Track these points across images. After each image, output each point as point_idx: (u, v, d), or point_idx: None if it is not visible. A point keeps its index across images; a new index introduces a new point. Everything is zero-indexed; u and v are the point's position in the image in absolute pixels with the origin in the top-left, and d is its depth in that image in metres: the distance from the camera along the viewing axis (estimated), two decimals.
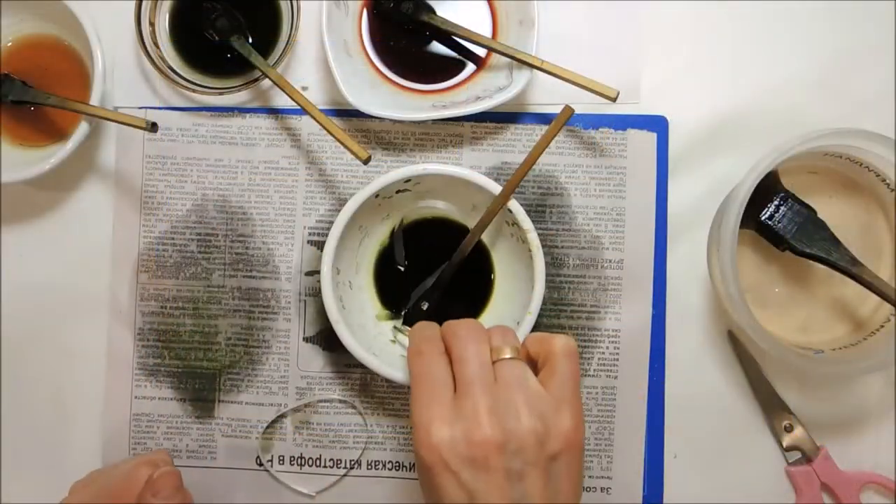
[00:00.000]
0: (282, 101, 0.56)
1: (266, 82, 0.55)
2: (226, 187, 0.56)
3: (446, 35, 0.55)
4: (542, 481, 0.39)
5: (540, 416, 0.39)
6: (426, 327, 0.45)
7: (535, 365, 0.43)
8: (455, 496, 0.39)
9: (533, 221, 0.51)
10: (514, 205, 0.50)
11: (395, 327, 0.54)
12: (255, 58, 0.52)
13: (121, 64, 0.56)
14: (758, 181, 0.48)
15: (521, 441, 0.39)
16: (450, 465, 0.39)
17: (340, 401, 0.55)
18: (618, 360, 0.55)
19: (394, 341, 0.54)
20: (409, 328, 0.54)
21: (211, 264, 0.56)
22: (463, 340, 0.42)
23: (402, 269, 0.54)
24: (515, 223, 0.51)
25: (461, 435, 0.39)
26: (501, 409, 0.39)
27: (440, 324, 0.44)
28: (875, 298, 0.51)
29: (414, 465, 0.55)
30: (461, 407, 0.40)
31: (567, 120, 0.50)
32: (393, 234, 0.54)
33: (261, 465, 0.55)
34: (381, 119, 0.54)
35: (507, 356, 0.41)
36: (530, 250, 0.50)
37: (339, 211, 0.51)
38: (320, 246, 0.55)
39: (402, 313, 0.54)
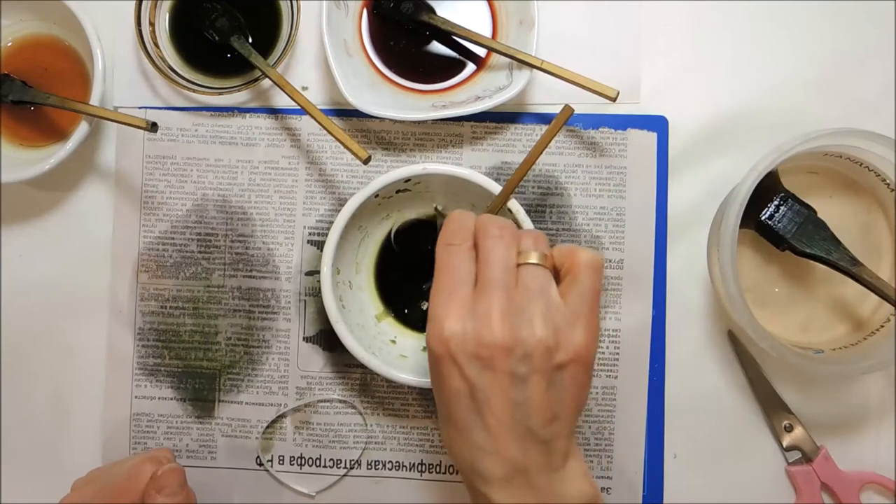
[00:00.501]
0: (282, 101, 0.56)
1: (266, 82, 0.55)
2: (226, 187, 0.56)
3: (446, 35, 0.55)
4: (543, 387, 0.39)
5: (553, 328, 0.40)
6: (461, 216, 0.44)
7: (558, 275, 0.43)
8: (457, 386, 0.40)
9: (533, 221, 0.51)
10: (514, 204, 0.50)
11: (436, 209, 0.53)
12: (255, 58, 0.52)
13: (121, 64, 0.56)
14: (758, 181, 0.48)
15: (529, 349, 0.39)
16: (456, 359, 0.39)
17: (340, 401, 0.55)
18: (618, 360, 0.55)
19: (394, 341, 0.54)
20: (410, 328, 0.54)
21: (211, 264, 0.56)
22: (492, 240, 0.42)
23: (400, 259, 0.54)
24: (516, 223, 0.51)
25: (472, 333, 0.39)
26: (515, 315, 0.40)
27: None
28: (875, 298, 0.51)
29: (415, 464, 0.55)
30: (477, 306, 0.40)
31: (567, 119, 0.50)
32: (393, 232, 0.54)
33: (261, 465, 0.55)
34: (381, 119, 0.54)
35: (533, 261, 0.41)
36: None
37: (339, 211, 0.51)
38: (320, 246, 0.55)
39: (405, 312, 0.54)
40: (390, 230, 0.55)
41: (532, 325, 0.39)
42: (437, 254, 0.43)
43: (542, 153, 0.50)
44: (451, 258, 0.42)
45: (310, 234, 0.56)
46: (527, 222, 0.50)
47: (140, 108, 0.56)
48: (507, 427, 0.39)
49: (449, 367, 0.40)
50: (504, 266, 0.41)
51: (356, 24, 0.55)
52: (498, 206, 0.50)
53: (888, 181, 0.52)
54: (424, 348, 0.53)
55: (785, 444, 0.55)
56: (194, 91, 0.54)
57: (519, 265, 0.41)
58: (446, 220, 0.44)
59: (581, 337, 0.40)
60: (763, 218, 0.51)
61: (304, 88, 0.55)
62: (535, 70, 0.52)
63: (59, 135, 0.55)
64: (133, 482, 0.48)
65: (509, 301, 0.40)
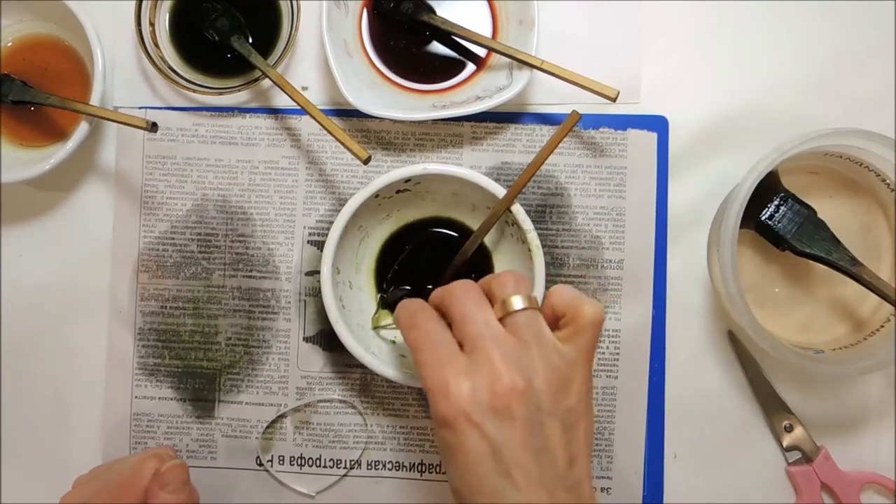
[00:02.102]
0: (282, 101, 0.56)
1: (266, 82, 0.55)
2: (226, 187, 0.56)
3: (446, 35, 0.55)
4: (560, 429, 0.39)
5: (557, 370, 0.39)
6: (410, 302, 0.44)
7: (553, 320, 0.42)
8: (477, 449, 0.38)
9: (533, 221, 0.51)
10: (514, 205, 0.50)
11: (374, 327, 0.54)
12: (255, 58, 0.52)
13: (121, 64, 0.56)
14: (758, 181, 0.48)
15: (540, 391, 0.38)
16: (472, 418, 0.38)
17: (340, 401, 0.55)
18: (618, 360, 0.55)
19: (393, 341, 0.54)
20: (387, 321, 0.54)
21: (211, 264, 0.56)
22: (460, 300, 0.41)
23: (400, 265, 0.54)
24: (516, 223, 0.51)
25: (483, 386, 0.38)
26: (517, 359, 0.39)
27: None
28: (875, 298, 0.51)
29: (414, 464, 0.55)
30: (475, 361, 0.39)
31: (574, 125, 0.50)
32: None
33: (261, 465, 0.55)
34: (381, 119, 0.54)
35: (520, 307, 0.41)
36: (530, 250, 0.50)
37: (339, 211, 0.51)
38: (320, 246, 0.55)
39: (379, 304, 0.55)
40: (401, 252, 0.54)
41: (536, 368, 0.39)
42: (406, 339, 0.42)
43: (546, 158, 0.50)
44: (423, 333, 0.41)
45: (310, 234, 0.56)
46: (527, 223, 0.50)
47: (140, 108, 0.56)
48: (537, 480, 0.38)
49: (465, 429, 0.38)
50: (484, 319, 0.40)
51: (356, 24, 0.55)
52: (501, 211, 0.50)
53: (888, 181, 0.52)
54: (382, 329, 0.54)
55: (785, 444, 0.55)
56: (194, 91, 0.54)
57: (507, 315, 0.41)
58: (397, 311, 0.44)
59: (582, 376, 0.40)
60: (763, 218, 0.51)
61: (304, 88, 0.55)
62: (535, 70, 0.52)
63: (59, 135, 0.55)
64: (136, 479, 0.48)
65: (506, 349, 0.39)
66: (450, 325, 0.42)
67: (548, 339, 0.40)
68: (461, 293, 0.42)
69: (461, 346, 0.41)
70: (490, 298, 0.42)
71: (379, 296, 0.54)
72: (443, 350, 0.40)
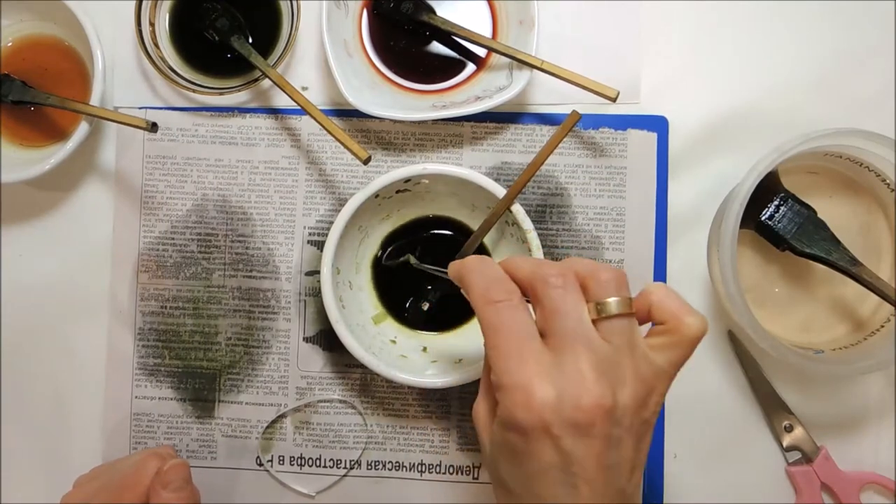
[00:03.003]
0: (282, 101, 0.56)
1: (266, 82, 0.55)
2: (226, 187, 0.56)
3: (446, 35, 0.55)
4: (633, 445, 0.36)
5: (645, 384, 0.36)
6: (485, 264, 0.39)
7: (645, 315, 0.39)
8: (549, 459, 0.35)
9: (533, 221, 0.51)
10: (514, 205, 0.50)
11: (413, 265, 0.51)
12: (255, 58, 0.52)
13: (121, 64, 0.56)
14: (758, 181, 0.48)
15: (626, 409, 0.36)
16: (552, 430, 0.35)
17: (340, 401, 0.55)
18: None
19: (394, 341, 0.54)
20: (410, 327, 0.54)
21: (211, 264, 0.56)
22: (557, 290, 0.37)
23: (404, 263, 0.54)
24: (516, 223, 0.51)
25: (569, 396, 0.35)
26: (608, 371, 0.36)
27: (442, 329, 0.42)
28: (875, 298, 0.51)
29: (414, 464, 0.55)
30: (563, 364, 0.36)
31: (574, 125, 0.50)
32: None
33: (261, 465, 0.55)
34: (381, 119, 0.54)
35: (615, 312, 0.37)
36: (530, 250, 0.50)
37: (339, 211, 0.51)
38: (320, 246, 0.55)
39: (405, 312, 0.54)
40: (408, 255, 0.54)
41: (625, 381, 0.36)
42: (479, 314, 0.38)
43: (547, 158, 0.50)
44: (503, 315, 0.37)
45: (310, 234, 0.56)
46: (527, 223, 0.50)
47: (140, 108, 0.56)
48: (601, 493, 0.36)
49: (541, 439, 0.35)
50: (578, 316, 0.37)
51: (356, 24, 0.55)
52: (501, 211, 0.50)
53: (888, 181, 0.52)
54: (425, 349, 0.53)
55: (785, 444, 0.55)
56: (194, 91, 0.54)
57: (600, 318, 0.37)
58: (467, 272, 0.39)
59: (663, 390, 0.37)
60: (763, 218, 0.51)
61: (304, 88, 0.55)
62: (535, 70, 0.52)
63: (59, 135, 0.55)
64: (138, 478, 0.48)
65: (597, 356, 0.36)
66: (529, 302, 0.38)
67: (641, 350, 0.37)
68: (561, 282, 0.37)
69: (542, 334, 0.37)
70: (584, 291, 0.38)
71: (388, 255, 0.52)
72: (528, 343, 0.36)
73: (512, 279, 0.39)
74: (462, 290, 0.41)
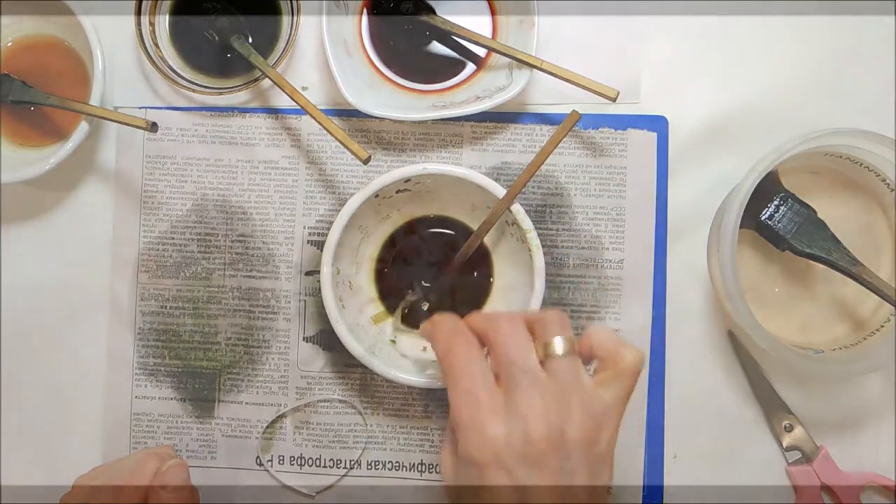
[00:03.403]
0: (282, 101, 0.56)
1: (266, 82, 0.55)
2: (226, 187, 0.56)
3: (446, 35, 0.55)
4: (586, 475, 0.39)
5: (593, 419, 0.39)
6: (448, 320, 0.43)
7: (588, 356, 0.42)
8: (505, 493, 0.38)
9: (533, 221, 0.51)
10: (514, 205, 0.50)
11: (395, 328, 0.54)
12: (255, 58, 0.52)
13: (121, 64, 0.56)
14: (758, 181, 0.48)
15: (575, 442, 0.38)
16: (504, 463, 0.38)
17: (340, 401, 0.55)
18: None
19: (393, 341, 0.54)
20: (410, 327, 0.54)
21: (211, 264, 0.56)
22: (506, 335, 0.40)
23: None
24: (515, 223, 0.51)
25: (518, 432, 0.38)
26: (555, 407, 0.38)
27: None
28: (875, 298, 0.51)
29: (414, 464, 0.55)
30: (514, 402, 0.38)
31: (573, 125, 0.50)
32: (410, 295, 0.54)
33: (261, 465, 0.55)
34: (381, 119, 0.54)
35: (560, 352, 0.40)
36: (530, 250, 0.50)
37: (339, 211, 0.51)
38: (320, 246, 0.55)
39: (403, 312, 0.54)
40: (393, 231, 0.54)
41: (574, 418, 0.38)
42: (442, 361, 0.41)
43: (546, 158, 0.50)
44: (460, 360, 0.40)
45: (310, 234, 0.56)
46: (527, 222, 0.50)
47: (140, 108, 0.56)
48: None
49: (495, 473, 0.38)
50: (526, 358, 0.40)
51: (356, 24, 0.55)
52: (501, 211, 0.50)
53: (888, 181, 0.52)
54: (424, 349, 0.53)
55: (785, 444, 0.55)
56: (194, 91, 0.54)
57: (546, 358, 0.40)
58: (432, 326, 0.43)
59: (615, 424, 0.40)
60: (763, 218, 0.51)
61: (304, 88, 0.55)
62: (535, 70, 0.52)
63: (59, 135, 0.55)
64: (137, 478, 0.48)
65: (545, 394, 0.39)
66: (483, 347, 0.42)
67: (587, 386, 0.40)
68: (508, 328, 0.41)
69: (496, 377, 0.40)
70: (531, 335, 0.41)
71: (402, 308, 0.54)
72: (482, 385, 0.39)
73: (471, 331, 0.42)
74: (430, 344, 0.44)
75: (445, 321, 0.43)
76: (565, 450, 0.38)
